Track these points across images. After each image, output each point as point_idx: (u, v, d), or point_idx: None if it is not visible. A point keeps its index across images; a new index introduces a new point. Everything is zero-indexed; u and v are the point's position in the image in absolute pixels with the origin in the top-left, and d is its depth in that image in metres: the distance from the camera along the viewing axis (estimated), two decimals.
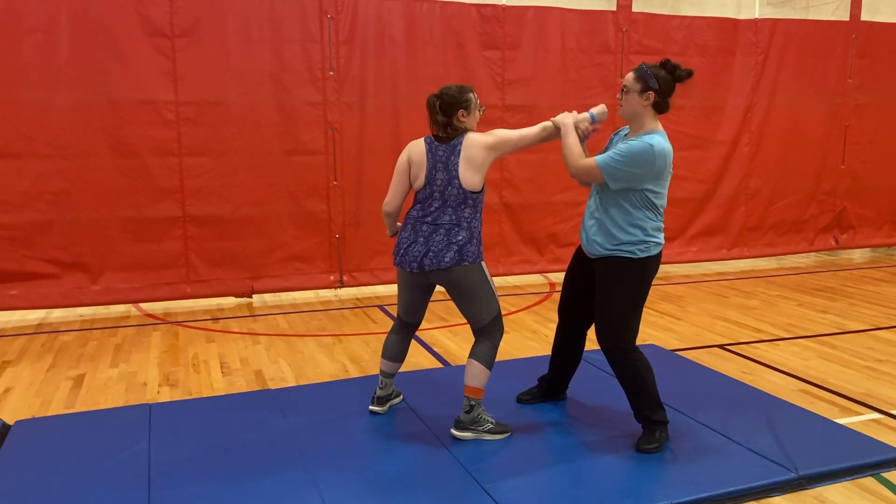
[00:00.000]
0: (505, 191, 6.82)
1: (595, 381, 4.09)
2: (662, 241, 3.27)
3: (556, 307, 3.71)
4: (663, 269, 7.67)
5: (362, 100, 6.31)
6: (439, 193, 3.28)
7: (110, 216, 5.77)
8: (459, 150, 3.25)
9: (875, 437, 3.39)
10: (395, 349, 3.62)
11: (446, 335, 5.22)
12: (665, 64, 3.20)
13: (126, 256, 5.84)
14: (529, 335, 5.22)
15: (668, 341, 5.04)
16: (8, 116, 5.45)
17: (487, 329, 3.33)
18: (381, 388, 3.67)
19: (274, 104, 6.07)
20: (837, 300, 6.31)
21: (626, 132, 3.36)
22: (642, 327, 5.23)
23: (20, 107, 5.47)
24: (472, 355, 3.33)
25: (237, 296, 6.26)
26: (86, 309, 5.98)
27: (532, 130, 3.36)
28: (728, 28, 7.42)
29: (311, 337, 5.26)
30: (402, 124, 6.35)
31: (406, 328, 3.63)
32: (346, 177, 6.35)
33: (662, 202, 3.23)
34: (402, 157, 3.43)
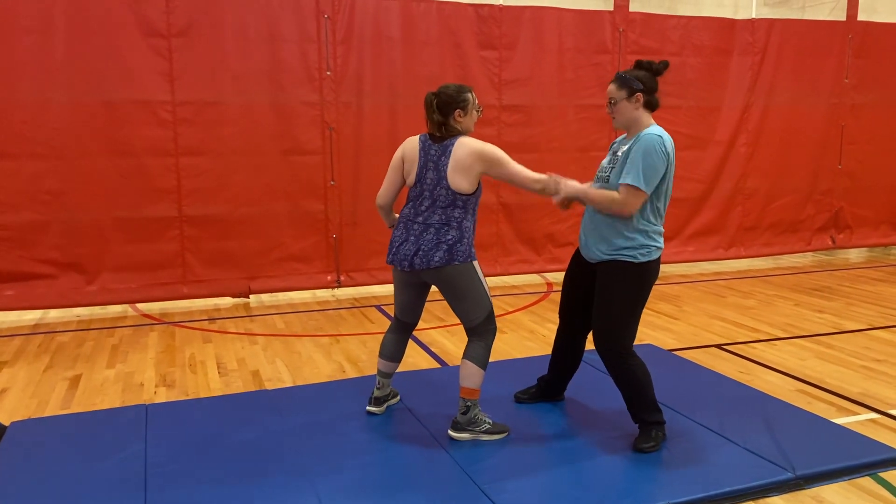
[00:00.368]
0: (502, 191, 6.81)
1: (593, 381, 4.09)
2: (662, 246, 3.27)
3: (555, 307, 3.71)
4: (660, 268, 7.70)
5: (359, 100, 6.30)
6: (429, 193, 3.29)
7: (107, 216, 5.76)
8: (450, 152, 3.24)
9: (872, 436, 3.39)
10: (393, 349, 3.61)
11: (443, 335, 5.22)
12: (640, 64, 3.25)
13: (123, 257, 5.83)
14: (527, 335, 5.22)
15: (666, 341, 5.04)
16: (3, 116, 5.43)
17: (480, 329, 3.32)
18: (378, 389, 3.67)
19: (271, 104, 6.06)
20: (834, 300, 6.32)
21: (622, 138, 3.38)
22: (640, 327, 5.24)
23: (16, 107, 5.46)
24: (465, 356, 3.32)
25: (234, 296, 6.25)
26: (82, 309, 5.96)
27: (529, 174, 3.23)
28: (725, 28, 7.42)
29: (308, 337, 5.26)
30: (400, 124, 6.34)
31: (403, 328, 3.63)
32: (344, 177, 6.34)
33: (663, 204, 3.22)
34: (397, 153, 3.44)
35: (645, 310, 5.73)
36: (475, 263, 3.31)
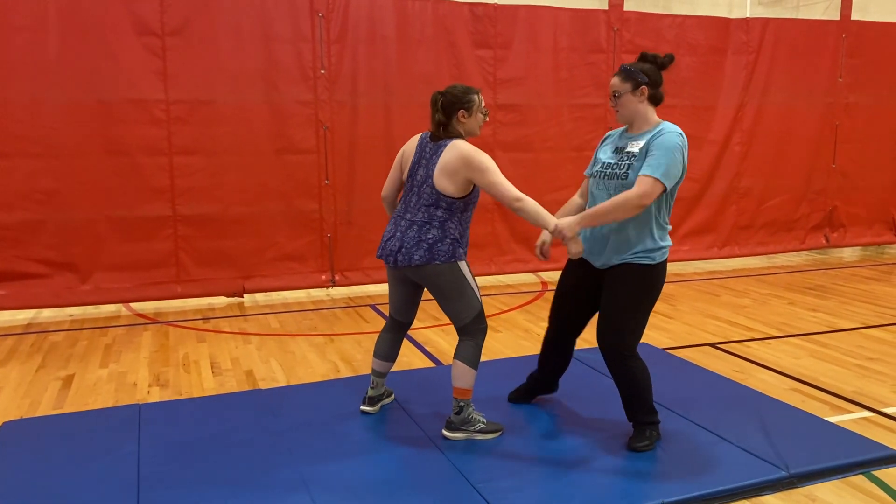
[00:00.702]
0: None
1: (587, 380, 4.10)
2: (671, 244, 3.23)
3: (550, 306, 3.66)
4: None
5: (354, 99, 6.29)
6: (417, 189, 3.29)
7: (100, 216, 5.74)
8: (441, 152, 3.23)
9: (866, 435, 3.39)
10: (387, 348, 3.60)
11: (438, 334, 5.21)
12: (645, 57, 3.18)
13: (116, 256, 5.81)
14: (522, 334, 5.21)
15: (660, 340, 5.05)
16: None
17: (469, 328, 3.30)
18: (372, 388, 3.66)
19: (265, 103, 6.05)
20: (828, 299, 6.33)
21: (619, 132, 3.31)
22: None
23: (9, 105, 5.43)
24: (456, 356, 3.32)
25: (228, 295, 6.23)
26: (75, 309, 5.94)
27: (511, 191, 3.12)
28: (719, 27, 7.43)
29: (302, 336, 5.25)
30: (394, 123, 6.34)
31: (398, 327, 3.61)
32: (338, 176, 6.33)
33: (672, 202, 3.17)
34: (402, 148, 3.46)
35: None
36: (461, 264, 3.26)
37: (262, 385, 4.21)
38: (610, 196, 3.12)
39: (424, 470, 3.08)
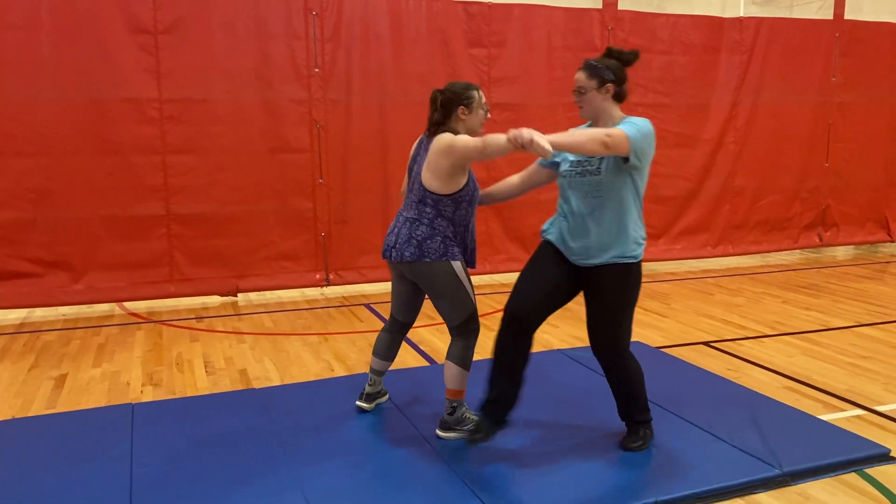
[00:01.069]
0: None
1: (580, 379, 4.10)
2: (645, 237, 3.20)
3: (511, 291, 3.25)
4: (648, 266, 7.73)
5: (348, 97, 6.28)
6: (411, 186, 3.31)
7: (93, 215, 5.72)
8: (430, 148, 3.22)
9: (858, 433, 3.40)
10: (385, 347, 3.58)
11: (433, 333, 5.21)
12: (610, 52, 3.12)
13: (109, 255, 5.79)
14: None
15: (654, 338, 5.05)
16: None
17: (461, 328, 3.28)
18: (369, 385, 3.65)
19: (259, 101, 6.04)
20: (821, 297, 6.35)
21: (583, 129, 3.18)
22: None
23: (1, 104, 5.41)
24: (448, 356, 3.31)
25: (222, 294, 6.21)
26: (68, 308, 5.92)
27: (476, 142, 3.04)
28: (713, 26, 7.45)
29: (296, 336, 5.24)
30: (388, 121, 6.33)
31: (398, 327, 3.57)
32: (332, 174, 6.32)
33: (643, 190, 3.12)
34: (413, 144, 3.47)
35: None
36: (455, 263, 3.22)
37: (256, 384, 4.20)
38: (586, 194, 3.06)
39: (418, 469, 3.08)
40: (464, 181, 3.20)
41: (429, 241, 3.19)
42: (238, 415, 3.63)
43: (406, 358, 4.65)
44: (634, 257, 3.10)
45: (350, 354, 4.78)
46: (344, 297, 6.43)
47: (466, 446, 3.24)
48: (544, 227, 3.29)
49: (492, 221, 6.90)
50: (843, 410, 3.77)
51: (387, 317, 3.65)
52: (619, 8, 7.11)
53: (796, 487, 2.96)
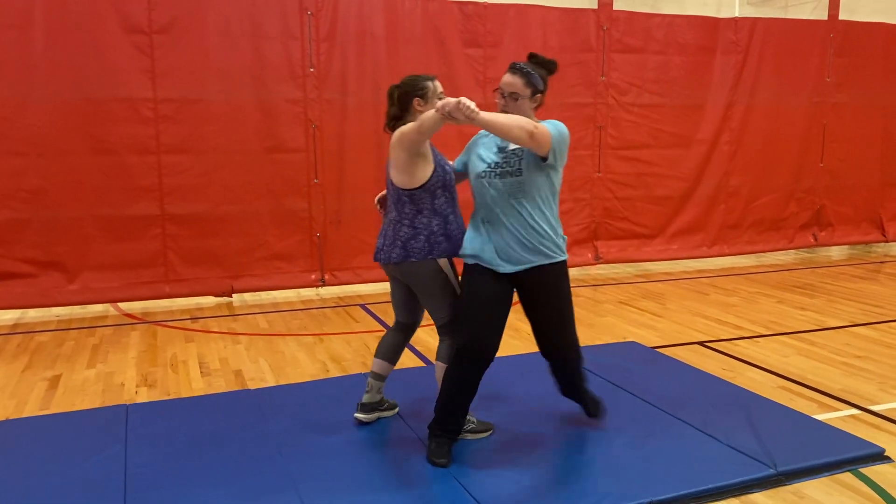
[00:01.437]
0: None
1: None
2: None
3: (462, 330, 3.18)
4: (644, 266, 7.74)
5: (343, 97, 6.27)
6: (388, 188, 3.29)
7: (87, 215, 5.70)
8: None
9: (853, 432, 3.41)
10: (386, 348, 3.49)
11: (428, 333, 5.20)
12: (536, 59, 3.11)
13: (104, 255, 5.77)
14: (512, 332, 5.21)
15: (649, 338, 5.05)
16: None
17: (449, 327, 3.25)
18: (367, 393, 3.51)
19: (254, 101, 6.03)
20: (816, 297, 6.37)
21: (487, 135, 3.18)
22: (624, 325, 5.25)
23: None
24: (438, 357, 3.29)
25: (217, 295, 6.20)
26: (62, 309, 5.90)
27: (413, 123, 3.02)
28: (708, 27, 7.46)
29: (291, 336, 5.23)
30: (383, 121, 6.28)
31: (401, 328, 3.51)
32: (328, 174, 6.31)
33: (559, 186, 3.13)
34: None
35: (629, 307, 5.81)
36: (441, 261, 3.17)
37: (251, 385, 4.19)
38: (507, 196, 2.99)
39: (413, 469, 3.07)
40: (429, 170, 3.12)
41: (412, 241, 3.16)
42: (233, 416, 3.62)
43: (402, 358, 4.63)
44: (562, 253, 3.09)
45: (345, 355, 4.77)
46: (339, 298, 6.42)
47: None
48: (463, 246, 3.15)
49: None
50: (837, 410, 3.77)
51: (382, 317, 3.65)
52: (615, 8, 7.12)
53: (791, 487, 2.97)
